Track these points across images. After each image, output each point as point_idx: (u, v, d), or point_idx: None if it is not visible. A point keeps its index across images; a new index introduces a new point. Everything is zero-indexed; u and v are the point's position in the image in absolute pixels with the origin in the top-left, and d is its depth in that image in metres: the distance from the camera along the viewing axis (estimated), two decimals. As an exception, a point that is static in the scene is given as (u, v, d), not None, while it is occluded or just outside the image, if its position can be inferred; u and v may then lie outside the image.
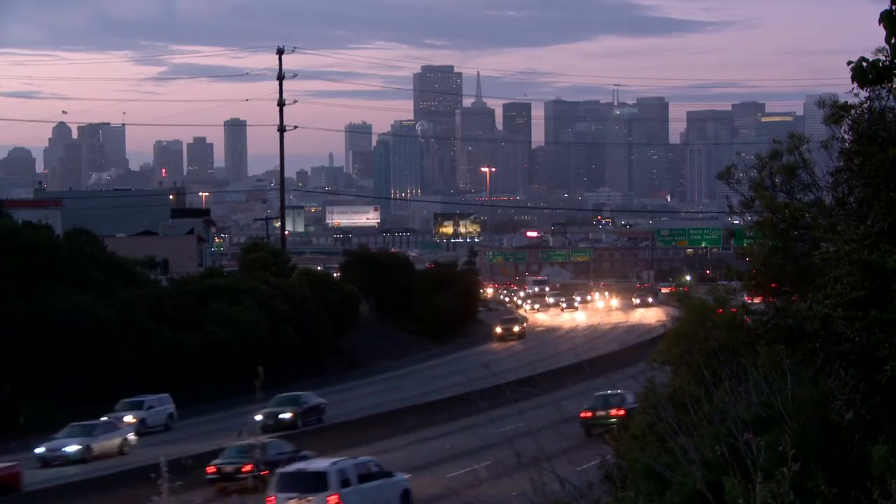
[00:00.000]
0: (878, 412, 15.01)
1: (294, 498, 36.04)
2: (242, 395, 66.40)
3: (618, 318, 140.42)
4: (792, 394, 15.94)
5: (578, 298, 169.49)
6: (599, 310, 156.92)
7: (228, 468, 43.78)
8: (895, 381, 14.61)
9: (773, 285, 24.07)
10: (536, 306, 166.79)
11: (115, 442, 57.57)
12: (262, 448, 41.44)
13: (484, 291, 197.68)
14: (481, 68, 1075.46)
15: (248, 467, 42.78)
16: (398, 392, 76.23)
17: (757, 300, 26.47)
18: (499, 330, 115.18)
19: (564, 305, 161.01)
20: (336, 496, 36.71)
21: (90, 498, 44.97)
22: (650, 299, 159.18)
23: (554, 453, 27.53)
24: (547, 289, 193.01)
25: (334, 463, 38.36)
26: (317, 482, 36.74)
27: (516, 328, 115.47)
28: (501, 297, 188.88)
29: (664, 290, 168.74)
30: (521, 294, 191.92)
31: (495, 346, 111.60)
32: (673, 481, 15.00)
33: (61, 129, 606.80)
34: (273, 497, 36.24)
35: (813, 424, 15.17)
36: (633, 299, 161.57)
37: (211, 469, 43.78)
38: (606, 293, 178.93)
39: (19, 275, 72.81)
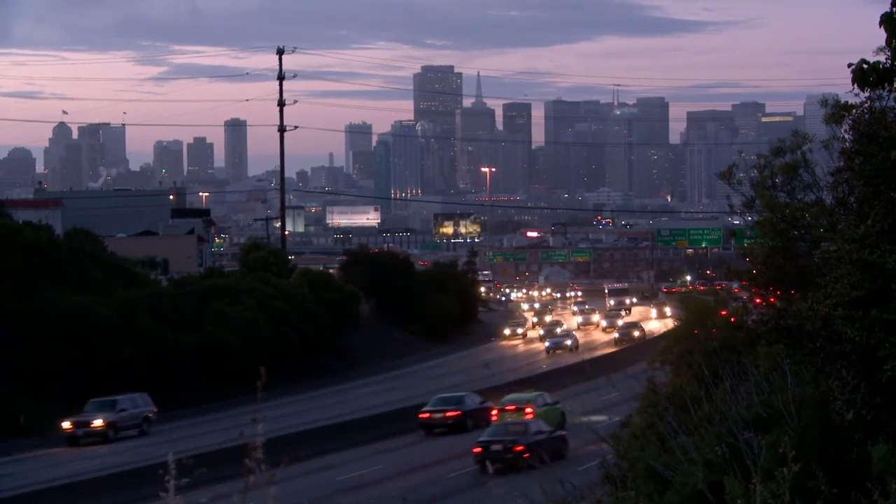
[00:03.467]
0: (878, 412, 15.02)
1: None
2: (242, 395, 66.36)
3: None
4: (792, 394, 15.94)
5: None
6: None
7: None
8: (895, 381, 14.62)
9: (772, 288, 24.08)
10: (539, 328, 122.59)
11: None
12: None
13: (494, 290, 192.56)
14: (481, 68, 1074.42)
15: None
16: (400, 391, 76.21)
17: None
18: (66, 424, 62.60)
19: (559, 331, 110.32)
20: None
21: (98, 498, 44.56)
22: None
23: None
24: (628, 300, 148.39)
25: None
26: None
27: (96, 422, 62.62)
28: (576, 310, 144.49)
29: (664, 291, 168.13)
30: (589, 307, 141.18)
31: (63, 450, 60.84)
32: (673, 481, 15.00)
33: (61, 129, 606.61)
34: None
35: (813, 424, 15.17)
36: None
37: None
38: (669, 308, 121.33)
39: (19, 275, 72.81)
